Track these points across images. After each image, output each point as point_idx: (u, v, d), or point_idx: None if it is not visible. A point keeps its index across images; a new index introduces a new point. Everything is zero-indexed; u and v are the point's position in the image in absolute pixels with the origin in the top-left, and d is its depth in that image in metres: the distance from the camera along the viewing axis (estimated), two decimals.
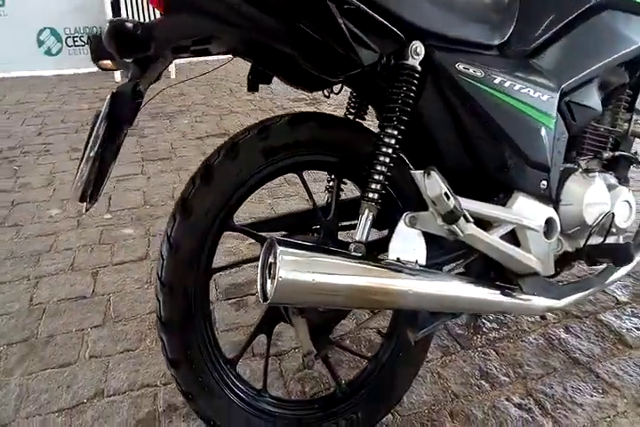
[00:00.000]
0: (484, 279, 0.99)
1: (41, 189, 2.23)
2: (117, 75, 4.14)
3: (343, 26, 0.79)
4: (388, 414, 1.07)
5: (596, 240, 1.04)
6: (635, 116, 1.12)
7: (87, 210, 0.81)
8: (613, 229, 1.06)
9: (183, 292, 0.86)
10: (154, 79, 0.86)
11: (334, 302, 0.83)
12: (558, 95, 0.97)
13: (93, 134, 0.77)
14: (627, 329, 1.37)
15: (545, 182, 0.99)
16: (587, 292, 1.07)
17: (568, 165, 1.06)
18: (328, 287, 0.79)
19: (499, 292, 0.97)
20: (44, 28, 4.56)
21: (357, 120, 1.05)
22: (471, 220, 0.88)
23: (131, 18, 4.10)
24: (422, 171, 0.85)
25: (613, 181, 1.11)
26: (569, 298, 1.04)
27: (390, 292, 0.83)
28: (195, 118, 3.22)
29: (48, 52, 4.64)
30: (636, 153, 1.16)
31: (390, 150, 0.88)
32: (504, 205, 0.97)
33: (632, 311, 1.44)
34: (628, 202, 1.09)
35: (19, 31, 4.38)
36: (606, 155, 1.10)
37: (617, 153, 1.12)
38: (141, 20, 4.21)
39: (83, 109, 3.40)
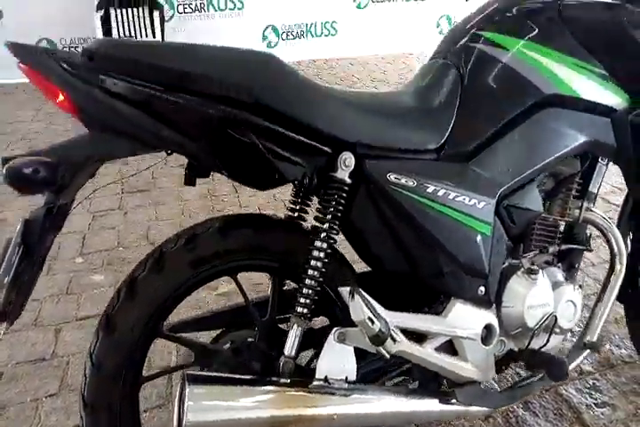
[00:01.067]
0: (422, 388, 0.98)
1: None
2: None
3: (261, 146, 0.78)
4: None
5: (538, 342, 1.01)
6: (586, 203, 1.09)
7: (7, 328, 0.80)
8: (557, 330, 1.03)
9: (108, 409, 0.85)
10: (82, 184, 0.84)
11: None
12: (495, 201, 0.94)
13: (6, 260, 0.76)
14: (586, 406, 1.34)
15: (483, 288, 0.97)
16: (524, 397, 1.06)
17: (512, 261, 1.02)
18: (244, 424, 0.77)
19: (434, 402, 0.95)
20: (42, 39, 4.55)
21: (301, 215, 1.03)
22: (400, 339, 0.86)
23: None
24: (349, 288, 0.83)
25: (560, 276, 1.07)
26: (506, 403, 1.03)
27: (313, 419, 0.82)
28: None
29: None
30: (588, 238, 1.12)
31: (320, 264, 0.86)
32: (440, 313, 0.95)
33: (594, 384, 1.41)
34: (572, 302, 1.05)
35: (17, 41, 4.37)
36: (552, 249, 1.05)
37: (564, 246, 1.07)
38: (133, 36, 4.18)
39: (69, 131, 3.38)
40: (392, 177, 0.87)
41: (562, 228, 1.07)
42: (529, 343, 1.00)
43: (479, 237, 0.93)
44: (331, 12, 5.16)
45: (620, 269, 1.10)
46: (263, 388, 0.80)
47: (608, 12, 0.95)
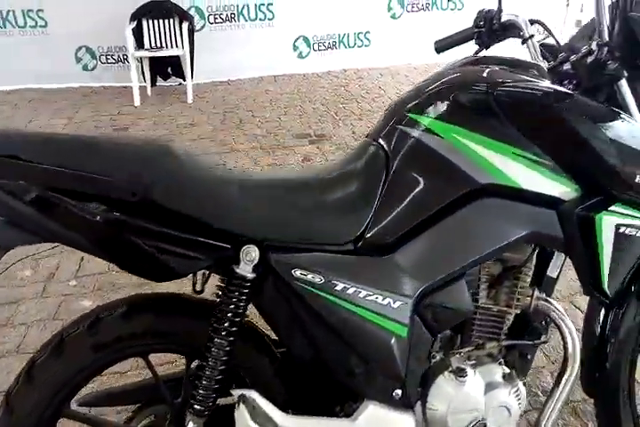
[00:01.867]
0: None
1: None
2: (137, 98, 4.25)
3: (145, 246, 0.77)
4: None
5: None
6: (537, 292, 0.98)
7: None
8: None
9: None
10: None
11: None
12: (414, 300, 0.87)
13: None
14: None
15: (399, 391, 0.90)
16: None
17: (440, 359, 0.95)
18: None
19: None
20: (81, 47, 4.76)
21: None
22: None
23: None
24: (239, 393, 0.83)
25: (497, 376, 0.97)
26: None
27: None
28: None
29: (85, 68, 4.85)
30: (544, 329, 1.03)
31: (221, 353, 0.85)
32: (350, 415, 0.90)
33: None
34: (505, 407, 0.95)
35: (59, 48, 4.60)
36: (492, 344, 0.97)
37: (506, 342, 0.98)
38: (164, 46, 4.28)
39: None
40: (298, 273, 0.83)
41: (509, 319, 0.98)
42: None
43: (393, 339, 0.86)
44: (364, 22, 5.11)
45: (574, 366, 0.99)
46: None
47: (547, 100, 0.88)
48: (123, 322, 0.87)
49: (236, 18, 4.78)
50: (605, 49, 0.89)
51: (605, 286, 0.91)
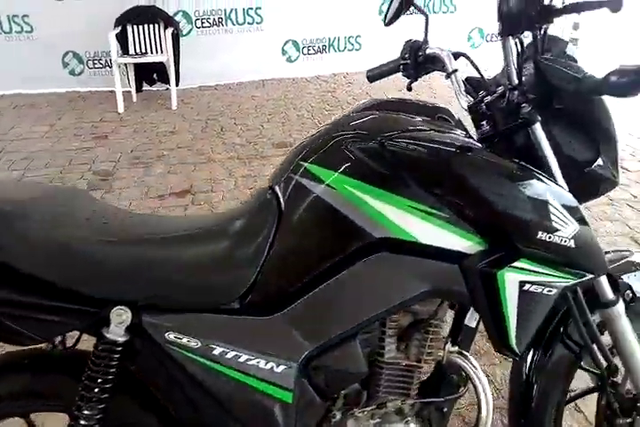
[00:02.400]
0: None
1: None
2: (120, 105, 4.22)
3: None
4: None
5: None
6: (449, 346, 0.92)
7: None
8: None
9: None
10: None
11: None
12: (299, 363, 0.82)
13: None
14: None
15: None
16: None
17: (340, 418, 0.89)
18: None
19: None
20: (68, 52, 4.74)
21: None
22: None
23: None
24: None
25: None
26: None
27: None
28: (169, 167, 3.22)
29: (72, 72, 4.83)
30: (456, 380, 0.96)
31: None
32: None
33: None
34: None
35: (46, 53, 4.59)
36: (394, 403, 0.91)
37: (411, 401, 0.92)
38: (147, 52, 4.24)
39: (71, 150, 3.51)
40: (171, 336, 0.78)
41: (420, 373, 0.92)
42: None
43: (277, 405, 0.82)
44: (355, 26, 5.04)
45: (486, 423, 0.93)
46: None
47: (442, 153, 0.82)
48: None
49: (223, 22, 4.73)
50: (516, 93, 0.85)
51: (513, 343, 0.84)
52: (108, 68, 4.74)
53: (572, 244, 0.81)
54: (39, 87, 4.64)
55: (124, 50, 4.28)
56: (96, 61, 4.78)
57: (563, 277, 0.83)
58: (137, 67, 4.39)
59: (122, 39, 4.24)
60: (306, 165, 0.83)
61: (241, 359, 0.80)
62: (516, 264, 0.80)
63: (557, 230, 0.80)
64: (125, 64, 4.31)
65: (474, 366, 0.93)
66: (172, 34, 4.18)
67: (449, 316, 0.98)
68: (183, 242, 0.84)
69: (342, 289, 0.82)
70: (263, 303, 0.81)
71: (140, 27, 4.21)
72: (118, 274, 0.78)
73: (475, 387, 0.93)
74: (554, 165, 0.86)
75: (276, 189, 0.86)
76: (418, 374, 0.92)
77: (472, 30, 5.35)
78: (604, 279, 0.94)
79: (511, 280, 0.80)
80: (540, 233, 0.79)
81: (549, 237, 0.79)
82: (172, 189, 2.94)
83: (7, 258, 0.72)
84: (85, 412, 0.80)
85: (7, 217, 0.75)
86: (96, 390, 0.79)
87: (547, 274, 0.82)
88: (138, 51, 4.28)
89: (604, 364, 0.98)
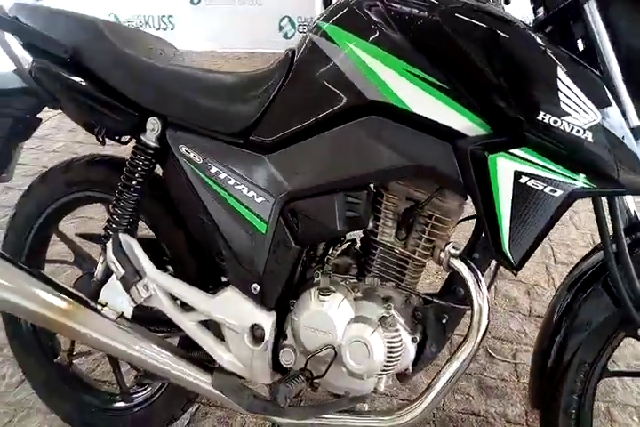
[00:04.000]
0: (187, 350, 1.04)
1: None
2: None
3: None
4: None
5: (317, 370, 0.93)
6: (450, 248, 0.85)
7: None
8: (343, 368, 0.91)
9: None
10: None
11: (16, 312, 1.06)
12: (277, 200, 0.88)
13: None
14: None
15: (257, 286, 0.92)
16: (289, 417, 0.94)
17: (314, 272, 0.94)
18: (15, 307, 1.04)
19: (192, 368, 1.00)
20: (284, 17, 5.42)
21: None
22: (153, 292, 0.99)
23: None
24: (120, 236, 1.01)
25: (372, 315, 0.89)
26: (261, 412, 0.94)
27: (72, 330, 1.02)
28: None
29: (285, 36, 5.53)
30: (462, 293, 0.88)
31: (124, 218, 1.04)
32: (214, 293, 0.98)
33: None
34: (365, 345, 0.87)
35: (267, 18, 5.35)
36: (381, 290, 0.90)
37: (405, 292, 0.90)
38: None
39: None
40: (183, 149, 0.94)
41: (416, 266, 0.90)
42: (305, 366, 0.92)
43: (252, 232, 0.91)
44: None
45: (476, 337, 0.84)
46: (47, 286, 1.02)
47: (459, 21, 0.73)
48: (87, 168, 1.13)
49: None
50: None
51: (506, 248, 0.76)
52: None
53: (588, 137, 0.68)
54: (258, 48, 5.43)
55: None
56: (304, 26, 5.36)
57: (572, 178, 0.70)
58: None
59: (329, 4, 4.68)
60: (319, 22, 0.84)
61: (230, 182, 0.92)
62: (513, 151, 0.71)
63: (567, 115, 0.68)
64: None
65: (476, 278, 0.83)
66: None
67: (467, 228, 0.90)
68: (213, 77, 0.98)
69: (330, 144, 0.84)
70: (259, 142, 0.90)
71: None
72: (157, 91, 0.97)
73: (470, 297, 0.84)
74: (610, 57, 0.70)
75: (294, 46, 0.90)
76: (413, 267, 0.90)
77: None
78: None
79: (504, 168, 0.72)
80: (542, 113, 0.69)
81: (555, 122, 0.68)
82: None
83: (80, 55, 0.98)
84: (121, 202, 1.02)
85: (102, 33, 0.99)
86: (133, 187, 1.01)
87: (551, 170, 0.71)
88: None
89: None
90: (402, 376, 0.97)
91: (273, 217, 0.90)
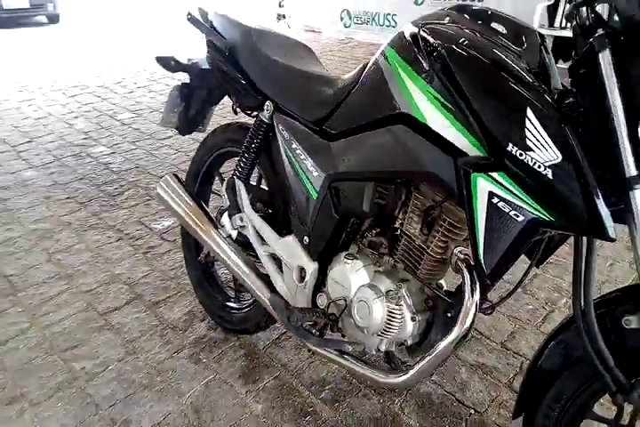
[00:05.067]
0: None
1: None
2: None
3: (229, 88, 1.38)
4: None
5: (335, 311, 1.15)
6: (458, 248, 0.92)
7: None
8: (351, 320, 1.09)
9: None
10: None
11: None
12: (326, 176, 1.10)
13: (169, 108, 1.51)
14: None
15: (307, 239, 1.18)
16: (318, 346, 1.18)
17: (351, 241, 1.14)
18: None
19: (259, 285, 1.33)
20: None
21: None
22: (246, 222, 1.35)
23: None
24: (232, 179, 1.40)
25: (381, 286, 1.04)
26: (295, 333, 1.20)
27: (199, 230, 1.46)
28: None
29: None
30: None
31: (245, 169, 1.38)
32: (282, 236, 1.27)
33: None
34: (367, 305, 1.03)
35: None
36: (401, 273, 1.04)
37: (417, 282, 1.02)
38: None
39: None
40: (280, 127, 1.24)
41: (429, 260, 0.97)
42: (327, 308, 1.16)
43: (308, 196, 1.16)
44: (391, 5, 6.10)
45: (462, 329, 0.90)
46: (194, 205, 1.47)
47: (462, 55, 0.82)
48: (234, 131, 1.48)
49: None
50: (584, 9, 0.72)
51: (481, 257, 0.83)
52: None
53: (549, 174, 0.73)
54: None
55: (551, 22, 4.56)
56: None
57: (534, 208, 0.76)
58: (555, 41, 4.61)
59: (552, 12, 4.50)
60: (387, 48, 0.97)
61: (302, 156, 1.17)
62: (492, 174, 0.79)
63: (530, 150, 0.74)
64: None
65: (472, 281, 0.89)
66: None
67: None
68: (313, 77, 1.20)
69: (368, 142, 1.00)
70: (327, 132, 1.11)
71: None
72: (273, 82, 1.25)
73: (461, 299, 0.90)
74: (617, 106, 0.69)
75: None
76: (428, 260, 0.97)
77: None
78: None
79: (482, 186, 0.80)
80: (510, 145, 0.76)
81: (521, 155, 0.75)
82: None
83: (241, 57, 1.31)
84: (243, 159, 1.36)
85: (250, 37, 1.29)
86: (251, 148, 1.34)
87: (518, 196, 0.77)
88: (560, 25, 4.50)
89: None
90: (411, 351, 1.09)
91: (322, 189, 1.12)
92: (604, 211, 0.70)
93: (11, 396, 1.43)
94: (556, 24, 4.46)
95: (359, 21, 6.57)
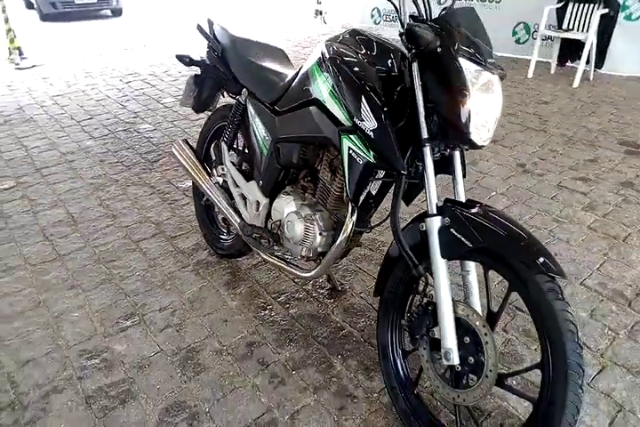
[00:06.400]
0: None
1: None
2: (530, 72, 4.86)
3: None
4: None
5: (275, 229, 1.71)
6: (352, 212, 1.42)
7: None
8: (285, 235, 1.65)
9: None
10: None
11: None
12: (272, 140, 1.62)
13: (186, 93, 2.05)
14: None
15: (261, 182, 1.72)
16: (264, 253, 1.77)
17: (293, 183, 1.69)
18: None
19: (233, 214, 1.91)
20: (519, 23, 5.67)
21: None
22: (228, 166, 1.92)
23: None
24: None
25: (302, 211, 1.57)
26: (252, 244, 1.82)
27: (199, 179, 2.05)
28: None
29: (518, 41, 5.78)
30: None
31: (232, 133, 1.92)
32: (248, 181, 1.81)
33: None
34: (292, 223, 1.58)
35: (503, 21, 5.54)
36: (306, 197, 1.63)
37: (319, 207, 1.58)
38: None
39: None
40: (249, 106, 1.75)
41: (333, 195, 1.50)
42: (265, 226, 1.77)
43: (262, 153, 1.68)
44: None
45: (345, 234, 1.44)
46: (196, 161, 2.08)
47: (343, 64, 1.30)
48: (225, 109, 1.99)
49: None
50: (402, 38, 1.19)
51: (347, 187, 1.34)
52: (549, 40, 5.28)
53: (372, 135, 1.22)
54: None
55: (560, 24, 4.79)
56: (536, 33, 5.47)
57: (367, 155, 1.26)
58: (564, 42, 4.84)
59: (560, 14, 4.77)
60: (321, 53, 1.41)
61: (260, 126, 1.69)
62: (350, 136, 1.28)
63: (364, 120, 1.23)
64: (551, 37, 4.86)
65: (352, 208, 1.40)
66: (605, 14, 4.40)
67: None
68: (275, 71, 1.71)
69: (296, 117, 1.50)
70: (276, 110, 1.61)
71: (580, 4, 4.50)
72: (248, 75, 1.74)
73: (342, 220, 1.47)
74: (419, 97, 1.16)
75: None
76: (332, 196, 1.50)
77: None
78: None
79: (345, 143, 1.30)
80: (357, 118, 1.25)
81: (359, 123, 1.24)
82: None
83: (227, 58, 1.80)
84: (228, 129, 1.92)
85: (234, 43, 1.79)
86: (233, 121, 1.85)
87: (360, 148, 1.27)
88: (567, 27, 4.71)
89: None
90: (323, 255, 1.57)
91: (270, 148, 1.63)
92: (399, 156, 1.21)
93: (71, 284, 2.11)
94: (564, 26, 4.71)
95: (388, 19, 7.10)
